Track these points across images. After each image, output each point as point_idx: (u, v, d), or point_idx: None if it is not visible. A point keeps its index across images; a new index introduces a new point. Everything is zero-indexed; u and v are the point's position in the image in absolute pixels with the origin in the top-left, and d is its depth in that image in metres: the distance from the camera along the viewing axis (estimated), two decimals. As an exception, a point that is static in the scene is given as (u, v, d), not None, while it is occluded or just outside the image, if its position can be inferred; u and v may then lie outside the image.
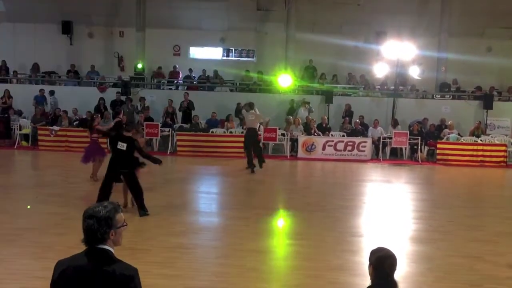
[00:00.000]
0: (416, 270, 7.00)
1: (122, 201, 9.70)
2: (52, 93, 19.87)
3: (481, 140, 18.16)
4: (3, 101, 19.48)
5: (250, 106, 14.99)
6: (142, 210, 9.34)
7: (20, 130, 18.47)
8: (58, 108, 19.13)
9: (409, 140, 17.79)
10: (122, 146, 9.21)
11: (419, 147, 17.89)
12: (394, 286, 3.31)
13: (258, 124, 15.50)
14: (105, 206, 2.96)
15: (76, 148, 17.31)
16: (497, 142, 18.31)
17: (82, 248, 2.98)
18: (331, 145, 17.74)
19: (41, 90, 19.81)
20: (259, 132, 15.95)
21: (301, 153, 17.70)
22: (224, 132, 18.14)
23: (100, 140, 13.02)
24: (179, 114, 19.53)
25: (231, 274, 6.55)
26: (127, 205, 9.76)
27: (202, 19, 22.87)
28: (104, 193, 9.23)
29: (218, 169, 15.15)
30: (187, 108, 19.23)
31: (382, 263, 3.30)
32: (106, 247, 2.91)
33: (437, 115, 19.67)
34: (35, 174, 14.58)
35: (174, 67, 22.55)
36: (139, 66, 21.61)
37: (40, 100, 19.66)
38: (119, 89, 19.94)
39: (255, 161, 14.55)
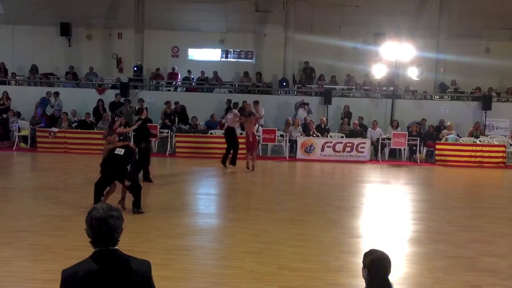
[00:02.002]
0: (416, 271, 6.99)
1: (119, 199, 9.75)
2: (57, 94, 19.81)
3: (480, 141, 18.18)
4: (2, 103, 19.46)
5: (234, 105, 15.91)
6: (136, 208, 9.39)
7: (19, 132, 18.45)
8: (57, 110, 19.11)
9: (408, 141, 17.80)
10: (119, 151, 9.29)
11: (418, 148, 17.90)
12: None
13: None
14: (110, 207, 2.94)
15: (74, 150, 17.35)
16: (496, 143, 18.34)
17: (81, 249, 2.96)
18: (330, 146, 17.74)
19: (48, 93, 19.72)
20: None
21: (300, 154, 17.69)
22: (223, 133, 18.10)
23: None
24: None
25: (229, 276, 6.53)
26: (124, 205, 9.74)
27: (200, 21, 22.89)
28: (100, 192, 9.28)
29: (217, 171, 15.11)
30: (180, 113, 19.24)
31: (377, 265, 3.28)
32: (116, 247, 2.90)
33: (436, 116, 19.69)
34: (34, 176, 14.55)
35: (173, 68, 22.56)
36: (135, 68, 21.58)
37: (46, 102, 19.63)
38: (118, 91, 19.93)
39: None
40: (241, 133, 16.62)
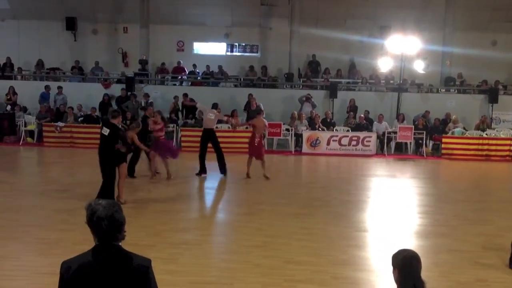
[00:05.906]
0: (422, 265, 6.98)
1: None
2: (61, 89, 19.84)
3: (486, 134, 18.11)
4: (8, 97, 19.54)
5: (213, 106, 13.73)
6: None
7: (25, 126, 18.53)
8: (62, 104, 19.17)
9: (414, 134, 17.75)
10: (105, 131, 9.37)
11: (424, 142, 17.85)
12: (423, 286, 3.27)
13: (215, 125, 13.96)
14: (111, 203, 2.94)
15: (81, 144, 17.40)
16: (502, 136, 18.27)
17: (88, 243, 2.96)
18: (335, 140, 17.72)
19: (47, 87, 19.83)
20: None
21: (305, 148, 17.68)
22: (229, 127, 18.11)
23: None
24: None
25: (235, 270, 6.55)
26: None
27: (206, 15, 22.85)
28: (111, 186, 9.28)
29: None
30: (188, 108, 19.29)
31: (409, 264, 3.26)
32: (118, 243, 2.91)
33: (442, 110, 19.61)
34: (40, 171, 14.63)
35: (178, 62, 22.54)
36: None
37: (46, 97, 19.70)
38: (124, 85, 19.96)
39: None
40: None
